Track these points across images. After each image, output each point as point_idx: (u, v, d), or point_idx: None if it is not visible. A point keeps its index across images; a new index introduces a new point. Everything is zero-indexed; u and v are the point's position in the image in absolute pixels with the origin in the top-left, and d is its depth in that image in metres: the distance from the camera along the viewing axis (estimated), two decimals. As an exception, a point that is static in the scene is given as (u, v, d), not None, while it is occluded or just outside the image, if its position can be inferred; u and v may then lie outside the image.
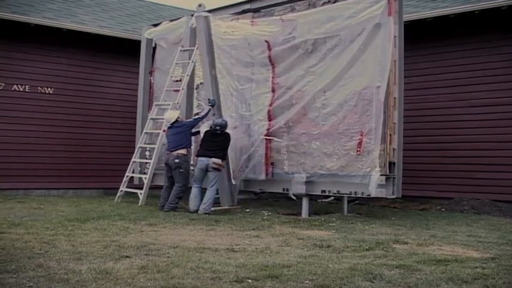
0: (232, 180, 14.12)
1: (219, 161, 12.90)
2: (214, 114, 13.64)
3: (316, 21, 12.77)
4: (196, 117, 13.99)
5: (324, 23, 12.62)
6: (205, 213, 12.42)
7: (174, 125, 13.43)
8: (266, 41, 13.76)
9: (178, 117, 13.58)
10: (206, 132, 13.29)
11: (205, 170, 12.97)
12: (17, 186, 16.72)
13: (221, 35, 14.51)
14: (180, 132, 13.29)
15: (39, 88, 17.39)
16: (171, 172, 13.18)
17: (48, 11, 17.95)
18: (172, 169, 13.11)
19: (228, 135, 13.36)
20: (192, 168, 13.93)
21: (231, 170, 14.09)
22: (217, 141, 13.06)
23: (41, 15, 17.33)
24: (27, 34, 16.90)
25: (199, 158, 13.00)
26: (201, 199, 12.79)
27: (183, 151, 13.15)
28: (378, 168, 11.53)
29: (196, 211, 12.54)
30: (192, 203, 12.85)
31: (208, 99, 13.81)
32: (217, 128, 13.08)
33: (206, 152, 12.94)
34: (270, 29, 13.57)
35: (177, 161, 13.00)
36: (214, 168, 12.92)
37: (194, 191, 12.96)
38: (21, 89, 17.06)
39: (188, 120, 13.83)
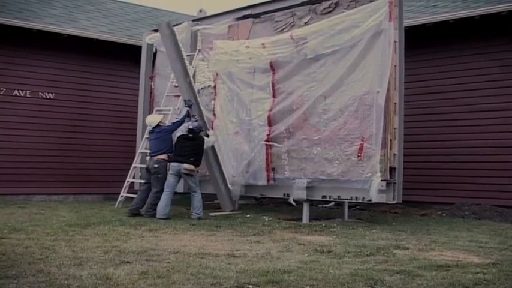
0: (229, 185, 14.14)
1: (190, 166, 12.70)
2: (194, 116, 13.53)
3: (325, 34, 12.72)
4: (174, 121, 13.66)
5: (333, 36, 12.59)
6: (198, 218, 12.40)
7: (155, 129, 13.31)
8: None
9: (160, 122, 13.49)
10: (179, 136, 13.13)
11: (178, 176, 12.81)
12: (17, 192, 16.72)
13: (236, 64, 14.48)
14: (160, 137, 13.15)
15: (40, 93, 17.40)
16: (150, 177, 13.08)
17: (49, 16, 17.98)
18: (150, 174, 13.02)
19: (201, 139, 13.20)
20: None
21: (225, 175, 14.11)
22: (189, 146, 12.85)
23: (43, 20, 17.37)
24: (28, 39, 16.93)
25: (172, 164, 12.83)
26: (168, 205, 12.61)
27: (163, 156, 12.95)
28: (379, 173, 11.53)
29: (166, 218, 12.27)
30: (161, 210, 12.48)
31: (184, 101, 13.80)
32: (190, 131, 12.99)
33: (178, 158, 12.77)
34: (282, 50, 13.46)
35: (156, 166, 12.84)
36: (187, 174, 12.76)
37: (164, 197, 12.63)
38: (22, 94, 17.08)
39: (168, 124, 13.69)
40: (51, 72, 17.58)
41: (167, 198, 12.63)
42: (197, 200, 12.78)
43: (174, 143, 13.20)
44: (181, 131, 13.29)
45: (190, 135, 12.96)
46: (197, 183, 13.08)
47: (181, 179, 12.97)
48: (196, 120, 13.42)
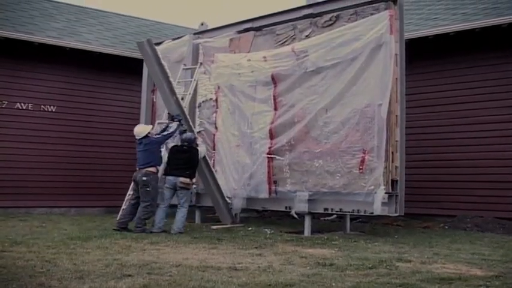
0: (226, 198, 14.15)
1: (186, 180, 12.62)
2: (185, 131, 13.44)
3: (326, 47, 12.76)
4: (165, 133, 13.27)
5: (334, 48, 12.63)
6: (179, 233, 12.18)
7: (143, 141, 12.68)
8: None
9: (149, 133, 12.94)
10: (172, 148, 13.06)
11: (174, 189, 12.69)
12: (19, 205, 16.72)
13: (238, 77, 14.52)
14: (149, 149, 12.59)
15: (42, 106, 17.45)
16: (137, 189, 12.58)
17: (52, 29, 18.05)
18: (139, 187, 12.47)
19: (195, 151, 13.15)
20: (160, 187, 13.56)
21: (221, 188, 14.12)
22: (183, 159, 12.75)
23: (45, 33, 17.44)
24: (31, 52, 17.01)
25: (167, 177, 12.71)
26: (163, 219, 12.53)
27: (152, 169, 12.46)
28: (382, 186, 11.52)
29: (163, 231, 12.19)
30: (157, 223, 12.39)
31: (172, 116, 13.60)
32: (185, 143, 12.96)
33: (173, 171, 12.66)
34: (284, 63, 13.50)
35: (144, 178, 12.33)
36: (182, 188, 12.66)
37: (160, 211, 12.56)
38: (24, 107, 17.13)
39: (157, 136, 13.20)
40: (53, 85, 17.63)
41: (162, 212, 12.56)
42: (182, 214, 12.58)
43: (167, 155, 13.07)
44: (172, 142, 13.30)
45: (184, 147, 12.93)
46: (189, 197, 13.06)
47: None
48: (184, 131, 13.39)
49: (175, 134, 13.35)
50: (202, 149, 13.69)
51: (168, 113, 13.79)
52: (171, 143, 13.48)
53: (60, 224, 13.55)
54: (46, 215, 16.37)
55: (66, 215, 16.73)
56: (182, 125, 13.46)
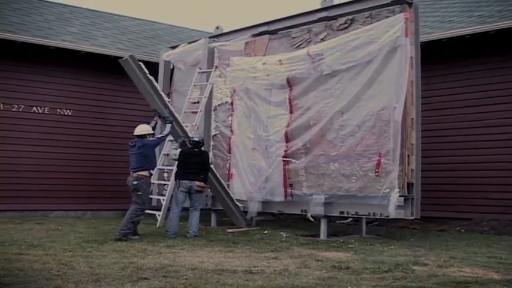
0: (237, 203, 14.17)
1: (201, 184, 12.62)
2: (183, 142, 13.30)
3: (342, 50, 12.74)
4: (159, 136, 12.88)
5: (349, 51, 12.61)
6: (195, 236, 12.20)
7: (137, 143, 12.31)
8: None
9: (148, 135, 12.45)
10: (182, 152, 12.93)
11: (188, 193, 12.63)
12: (35, 208, 16.82)
13: (253, 80, 14.52)
14: (142, 152, 12.19)
15: (58, 110, 17.55)
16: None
17: (67, 34, 18.15)
18: (131, 191, 12.12)
19: (206, 154, 13.20)
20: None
21: (231, 193, 14.19)
22: (197, 162, 12.69)
23: (61, 38, 17.53)
24: (47, 57, 17.11)
25: (182, 181, 12.56)
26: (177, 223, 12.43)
27: (144, 173, 12.08)
28: (397, 189, 11.49)
29: (175, 236, 12.11)
30: (172, 228, 12.29)
31: (164, 118, 13.24)
32: (195, 146, 12.89)
33: (188, 175, 12.56)
34: (299, 67, 13.49)
35: (135, 182, 11.96)
36: (198, 191, 12.65)
37: (175, 215, 12.48)
38: (40, 111, 17.23)
39: (151, 139, 12.52)
40: (69, 89, 17.72)
41: (177, 216, 12.51)
42: (196, 217, 12.59)
43: (178, 159, 12.86)
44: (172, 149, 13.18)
45: (195, 149, 12.91)
46: (202, 201, 13.07)
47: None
48: (183, 142, 13.29)
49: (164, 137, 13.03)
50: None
51: (163, 117, 13.33)
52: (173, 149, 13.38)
53: (76, 227, 13.60)
54: (62, 218, 16.45)
55: (82, 218, 16.79)
56: (169, 121, 13.10)
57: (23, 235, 11.81)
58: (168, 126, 13.06)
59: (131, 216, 11.79)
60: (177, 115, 13.92)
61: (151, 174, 12.37)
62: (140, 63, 13.07)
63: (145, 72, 13.10)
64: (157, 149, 13.54)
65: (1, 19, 17.45)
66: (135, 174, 12.04)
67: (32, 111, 17.13)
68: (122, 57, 17.62)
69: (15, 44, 16.46)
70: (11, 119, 16.81)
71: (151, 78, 13.23)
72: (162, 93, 13.58)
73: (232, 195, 14.19)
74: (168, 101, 13.58)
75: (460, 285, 7.18)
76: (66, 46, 17.23)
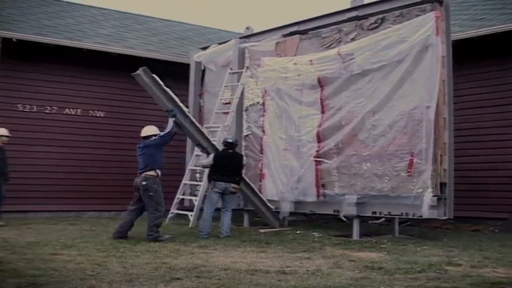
0: (267, 203, 14.22)
1: (236, 185, 12.73)
2: (205, 149, 13.25)
3: (372, 50, 12.70)
4: (162, 133, 12.41)
5: (380, 51, 12.57)
6: (227, 236, 12.23)
7: (141, 144, 12.19)
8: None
9: (154, 135, 12.21)
10: (219, 153, 12.89)
11: (222, 194, 12.64)
12: (68, 209, 17.00)
13: (284, 80, 14.52)
14: (146, 152, 12.00)
15: (90, 111, 17.72)
16: (139, 194, 11.95)
17: (98, 36, 18.31)
18: (141, 193, 11.83)
19: (240, 156, 13.25)
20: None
21: (260, 195, 14.18)
22: (231, 164, 12.72)
23: (92, 40, 17.67)
24: (79, 59, 17.26)
25: (218, 183, 12.53)
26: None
27: (151, 172, 11.84)
28: (430, 189, 11.42)
29: (208, 236, 12.12)
30: (206, 228, 12.29)
31: (167, 111, 12.80)
32: (229, 147, 12.87)
33: (223, 177, 12.54)
34: (330, 67, 13.46)
35: (144, 183, 11.72)
36: (232, 192, 12.72)
37: (208, 216, 12.48)
38: (73, 113, 17.41)
39: (154, 138, 12.23)
40: (101, 90, 17.88)
41: (210, 216, 12.53)
42: (228, 218, 12.61)
43: (212, 161, 12.72)
44: (202, 158, 13.12)
45: (230, 150, 12.92)
46: (234, 202, 13.10)
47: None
48: (205, 149, 13.26)
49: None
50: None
51: (167, 110, 12.84)
52: (203, 157, 13.29)
53: (110, 228, 13.66)
54: (95, 218, 16.58)
55: (115, 218, 16.85)
56: (173, 115, 12.68)
57: (57, 236, 11.92)
58: (171, 121, 12.62)
59: (151, 220, 11.65)
60: (198, 125, 13.72)
61: (158, 175, 12.08)
62: (154, 75, 12.75)
63: (159, 84, 12.76)
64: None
65: (34, 22, 17.67)
66: (142, 175, 11.86)
67: (64, 112, 17.32)
68: (152, 59, 17.93)
69: (48, 46, 16.65)
70: (44, 121, 17.02)
71: (167, 89, 12.86)
72: (180, 104, 13.07)
73: (262, 196, 14.20)
74: (188, 111, 13.27)
75: (494, 286, 7.12)
76: (98, 48, 17.41)
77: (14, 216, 14.82)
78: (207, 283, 7.09)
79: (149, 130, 12.32)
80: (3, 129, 14.65)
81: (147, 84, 12.61)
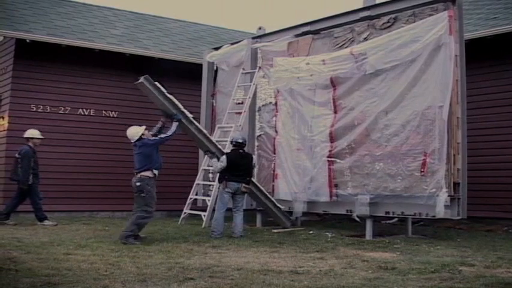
0: (277, 203, 14.19)
1: (247, 186, 12.76)
2: (213, 154, 13.12)
3: (385, 49, 12.68)
4: (163, 135, 12.17)
5: (393, 50, 12.54)
6: (241, 236, 12.25)
7: (137, 143, 11.78)
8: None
9: (143, 135, 11.81)
10: (230, 153, 12.85)
11: (233, 194, 12.69)
12: (82, 209, 17.08)
13: (297, 80, 14.51)
14: (142, 152, 11.68)
15: (103, 112, 17.78)
16: None
17: (111, 36, 18.35)
18: (134, 193, 11.73)
19: (251, 156, 13.27)
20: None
21: (269, 196, 14.16)
22: (243, 165, 12.73)
23: (105, 40, 17.73)
24: (92, 59, 17.34)
25: (230, 183, 12.57)
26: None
27: (147, 173, 11.53)
28: (445, 189, 11.39)
29: (221, 236, 12.13)
30: (219, 228, 12.31)
31: (171, 116, 12.52)
32: (239, 146, 12.84)
33: (235, 177, 12.57)
34: (343, 66, 13.43)
35: (138, 184, 11.47)
36: (243, 192, 12.77)
37: (221, 216, 12.47)
38: (86, 113, 17.48)
39: (152, 138, 11.98)
40: (114, 91, 17.95)
41: (222, 216, 12.52)
42: (240, 218, 12.64)
43: (226, 161, 12.65)
44: (214, 161, 12.95)
45: (240, 150, 12.90)
46: (244, 201, 13.10)
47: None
48: (213, 154, 13.15)
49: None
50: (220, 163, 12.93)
51: (170, 115, 12.58)
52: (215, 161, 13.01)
53: (123, 228, 13.69)
54: (109, 218, 16.64)
55: (128, 218, 16.90)
56: (177, 119, 12.45)
57: (70, 235, 11.98)
58: (175, 125, 12.40)
59: (135, 219, 11.46)
60: (205, 131, 13.62)
61: (155, 175, 11.80)
62: (156, 83, 12.53)
63: (162, 92, 12.55)
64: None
65: (47, 23, 17.73)
66: (138, 175, 11.59)
67: (78, 113, 17.39)
68: (165, 59, 17.97)
69: (61, 47, 16.73)
70: (57, 121, 17.10)
71: (171, 96, 12.64)
72: (184, 110, 12.81)
73: (271, 197, 14.21)
74: (192, 117, 13.16)
75: (508, 287, 7.09)
76: (111, 49, 17.48)
77: (27, 216, 14.87)
78: (220, 283, 7.10)
79: (137, 131, 11.90)
80: (36, 130, 14.72)
81: (151, 91, 12.42)
